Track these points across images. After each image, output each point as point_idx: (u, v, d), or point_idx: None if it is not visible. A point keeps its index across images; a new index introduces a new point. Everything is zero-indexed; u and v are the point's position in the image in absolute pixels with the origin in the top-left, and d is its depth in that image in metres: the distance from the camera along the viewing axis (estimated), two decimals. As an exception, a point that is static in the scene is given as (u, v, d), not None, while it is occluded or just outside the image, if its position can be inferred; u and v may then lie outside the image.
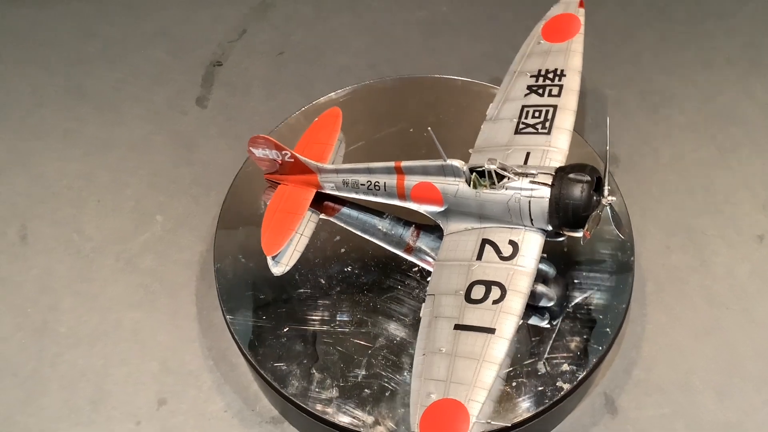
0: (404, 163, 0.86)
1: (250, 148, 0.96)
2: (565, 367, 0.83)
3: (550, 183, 0.77)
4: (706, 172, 1.13)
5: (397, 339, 0.86)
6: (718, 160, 1.14)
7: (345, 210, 0.97)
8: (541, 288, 0.83)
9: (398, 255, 0.93)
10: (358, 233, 0.95)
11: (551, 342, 0.84)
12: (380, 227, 0.95)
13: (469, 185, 0.81)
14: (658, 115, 1.19)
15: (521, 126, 0.88)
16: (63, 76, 1.30)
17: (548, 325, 0.86)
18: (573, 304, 0.87)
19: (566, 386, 0.82)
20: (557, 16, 0.97)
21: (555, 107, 0.88)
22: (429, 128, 0.81)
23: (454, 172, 0.82)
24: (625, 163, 1.14)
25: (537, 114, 0.88)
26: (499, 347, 0.71)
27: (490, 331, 0.72)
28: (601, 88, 1.21)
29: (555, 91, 0.89)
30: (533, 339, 0.85)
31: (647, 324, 0.99)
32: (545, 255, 0.81)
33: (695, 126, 1.18)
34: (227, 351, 0.99)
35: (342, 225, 0.96)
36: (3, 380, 0.99)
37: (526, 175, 0.78)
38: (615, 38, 1.27)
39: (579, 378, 0.82)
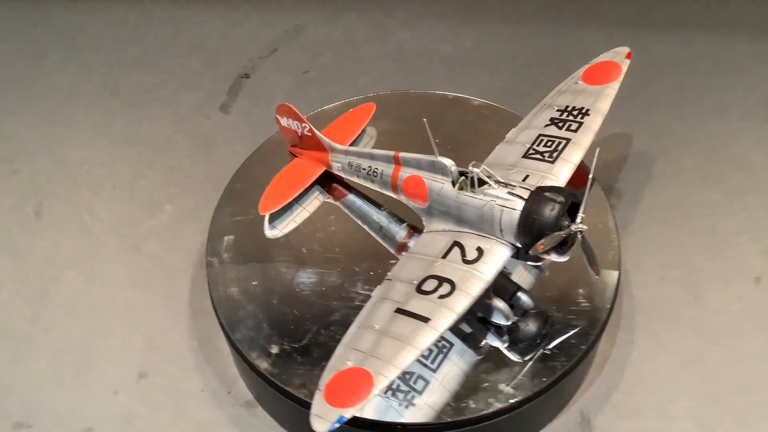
0: (402, 154, 0.89)
1: (277, 116, 1.02)
2: (503, 387, 0.82)
3: (525, 197, 0.77)
4: (710, 214, 1.12)
5: (353, 318, 0.86)
6: (724, 204, 1.13)
7: (351, 197, 1.00)
8: (497, 302, 0.82)
9: (386, 249, 0.95)
10: (358, 221, 0.98)
11: (518, 375, 0.83)
12: (378, 220, 0.98)
13: (454, 186, 0.83)
14: (667, 157, 1.20)
15: (531, 152, 0.89)
16: (101, 76, 1.39)
17: (513, 354, 0.85)
18: (553, 344, 0.86)
19: (497, 405, 0.81)
20: (601, 62, 0.99)
21: (568, 141, 0.89)
22: (425, 119, 0.83)
23: (442, 170, 0.84)
24: (628, 197, 1.14)
25: (549, 144, 0.89)
26: (427, 336, 0.71)
27: (425, 320, 0.72)
28: (611, 127, 1.22)
29: (574, 126, 0.90)
30: (484, 355, 0.85)
31: (633, 350, 0.98)
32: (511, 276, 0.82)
33: (703, 170, 1.18)
34: (212, 335, 1.00)
35: (344, 210, 0.99)
36: (-4, 341, 1.02)
37: (506, 185, 0.79)
38: (633, 83, 1.27)
39: (511, 402, 0.81)
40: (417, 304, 0.74)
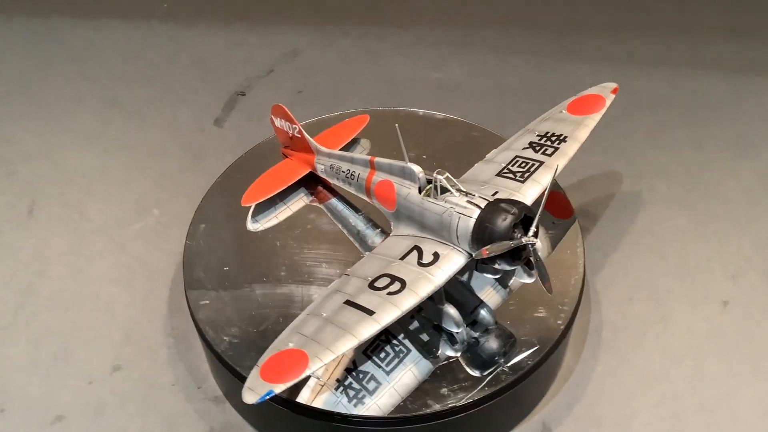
0: (377, 159, 0.93)
1: (272, 116, 1.08)
2: (444, 391, 0.84)
3: (482, 206, 0.80)
4: (681, 240, 1.15)
5: None
6: (695, 230, 1.16)
7: (334, 201, 1.05)
8: (448, 308, 0.84)
9: (357, 251, 0.98)
10: (337, 224, 1.02)
11: (462, 383, 0.85)
12: (355, 225, 1.02)
13: (420, 193, 0.86)
14: (642, 184, 1.23)
15: (504, 171, 0.92)
16: (102, 87, 1.44)
17: (471, 368, 0.86)
18: (511, 362, 0.86)
19: (436, 406, 0.83)
20: (588, 95, 1.02)
21: (541, 163, 0.92)
22: (396, 125, 0.87)
23: (411, 176, 0.88)
24: (602, 221, 1.17)
25: (523, 165, 0.93)
26: (368, 328, 0.74)
27: (370, 313, 0.75)
28: (589, 153, 1.25)
29: (549, 151, 0.94)
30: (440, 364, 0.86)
31: (598, 365, 1.00)
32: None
33: (677, 198, 1.21)
34: (188, 333, 1.03)
35: (326, 212, 1.04)
36: (-22, 329, 1.05)
37: (466, 194, 0.82)
38: (612, 114, 1.29)
39: (448, 405, 0.83)
40: (366, 298, 0.77)
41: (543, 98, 1.37)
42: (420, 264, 0.81)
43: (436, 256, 0.81)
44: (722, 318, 1.05)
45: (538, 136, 0.97)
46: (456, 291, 0.90)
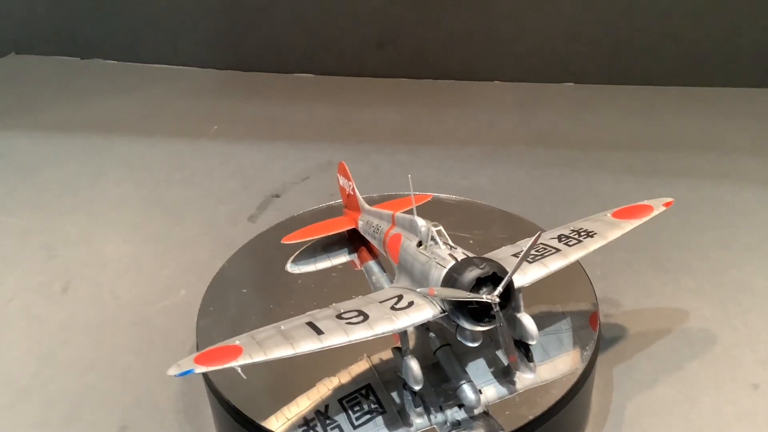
0: (397, 214, 0.96)
1: (338, 174, 1.17)
2: None
3: (459, 259, 0.80)
4: (708, 329, 1.11)
5: None
6: (723, 320, 1.13)
7: (371, 263, 1.08)
8: (409, 360, 0.82)
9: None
10: (369, 283, 1.04)
11: None
12: (377, 283, 1.03)
13: (419, 246, 0.87)
14: (666, 277, 1.22)
15: (521, 252, 0.94)
16: (148, 190, 1.54)
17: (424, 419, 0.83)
18: None
19: None
20: (640, 204, 1.01)
21: (558, 251, 0.92)
22: (409, 176, 0.91)
23: (414, 229, 0.89)
24: (627, 309, 1.15)
25: (541, 250, 0.93)
26: (309, 343, 0.73)
27: (320, 332, 0.75)
28: (614, 250, 1.25)
29: (572, 243, 0.94)
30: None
31: (619, 443, 0.95)
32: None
33: (704, 291, 1.18)
34: (199, 399, 1.02)
35: (363, 271, 1.07)
36: (-4, 388, 1.07)
37: (450, 247, 0.83)
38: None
39: None
40: (325, 323, 0.77)
41: (566, 204, 1.41)
42: (392, 308, 0.81)
43: (410, 304, 0.81)
44: (752, 399, 0.99)
45: (571, 231, 0.97)
46: (448, 366, 0.87)
